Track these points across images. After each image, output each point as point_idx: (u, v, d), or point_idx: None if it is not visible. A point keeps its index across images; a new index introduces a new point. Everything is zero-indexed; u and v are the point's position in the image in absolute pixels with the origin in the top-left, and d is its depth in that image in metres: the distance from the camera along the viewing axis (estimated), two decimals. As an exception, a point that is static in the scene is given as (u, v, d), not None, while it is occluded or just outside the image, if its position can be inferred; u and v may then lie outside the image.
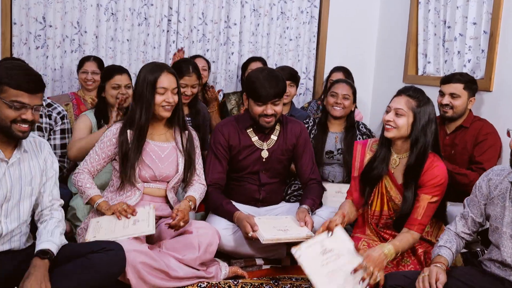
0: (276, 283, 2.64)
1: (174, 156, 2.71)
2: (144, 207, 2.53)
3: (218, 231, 2.65)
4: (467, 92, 3.13)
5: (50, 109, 3.26)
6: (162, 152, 2.69)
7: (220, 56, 4.68)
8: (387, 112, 2.45)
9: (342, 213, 2.46)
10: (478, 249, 2.73)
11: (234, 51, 4.67)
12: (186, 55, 4.42)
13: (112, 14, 4.38)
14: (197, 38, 4.58)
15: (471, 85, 3.15)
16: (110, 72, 3.27)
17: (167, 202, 2.74)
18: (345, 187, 3.10)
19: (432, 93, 3.02)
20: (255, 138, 2.97)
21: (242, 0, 4.62)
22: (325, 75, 4.43)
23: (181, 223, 2.49)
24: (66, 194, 3.02)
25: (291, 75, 3.87)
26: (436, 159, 2.44)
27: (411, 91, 2.43)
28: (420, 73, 4.21)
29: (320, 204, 3.01)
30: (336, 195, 3.25)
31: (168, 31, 4.51)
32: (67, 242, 2.25)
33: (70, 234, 2.91)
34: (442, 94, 3.19)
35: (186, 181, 2.75)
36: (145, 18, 4.45)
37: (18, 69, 2.02)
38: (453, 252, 2.19)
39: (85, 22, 4.32)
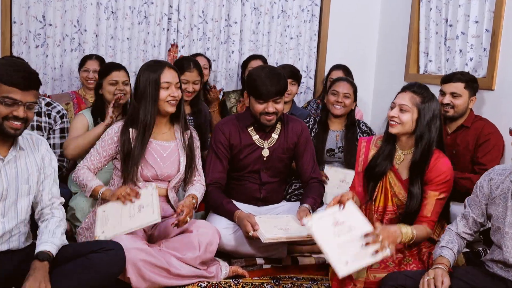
0: (277, 283, 2.62)
1: (176, 155, 2.70)
2: (147, 188, 2.49)
3: (219, 230, 2.64)
4: (468, 91, 3.12)
5: (49, 108, 3.25)
6: (164, 151, 2.67)
7: (221, 55, 4.67)
8: (392, 108, 2.46)
9: (351, 192, 2.46)
10: (480, 248, 2.73)
11: (234, 49, 4.66)
12: (186, 54, 4.42)
13: (112, 12, 4.37)
14: (197, 36, 4.57)
15: (472, 84, 3.13)
16: (107, 68, 3.27)
17: (168, 201, 2.72)
18: (350, 175, 3.10)
19: (433, 91, 2.96)
20: (256, 137, 2.96)
21: (242, -2, 4.61)
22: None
23: (187, 219, 2.49)
24: (66, 193, 3.00)
25: (292, 73, 3.86)
26: (442, 155, 2.44)
27: (415, 87, 2.44)
28: (421, 71, 4.20)
29: (321, 203, 3.00)
30: (340, 185, 3.22)
31: (168, 29, 4.50)
32: (67, 242, 2.24)
33: (70, 233, 2.89)
34: (442, 93, 3.17)
35: (187, 180, 2.73)
36: (145, 17, 4.44)
37: (11, 66, 2.01)
38: (455, 252, 2.18)
39: (85, 21, 4.32)
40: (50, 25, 4.24)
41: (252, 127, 2.96)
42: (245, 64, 4.30)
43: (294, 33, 4.80)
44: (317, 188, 2.98)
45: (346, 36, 4.82)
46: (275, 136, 2.98)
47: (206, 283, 2.53)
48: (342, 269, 2.13)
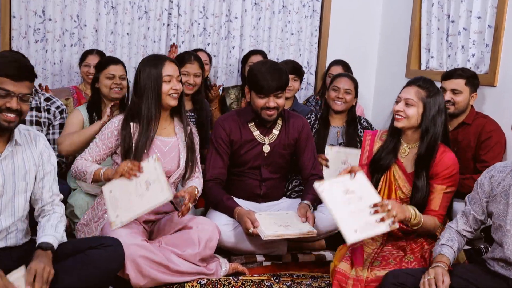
0: (277, 280, 2.61)
1: (176, 151, 2.68)
2: (148, 161, 2.45)
3: (219, 227, 2.62)
4: (469, 88, 3.09)
5: (48, 103, 3.23)
6: (165, 146, 2.66)
7: (221, 50, 4.65)
8: (397, 102, 2.47)
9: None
10: (482, 246, 2.71)
11: (235, 45, 4.64)
12: (186, 49, 4.39)
13: (112, 7, 4.35)
14: (197, 32, 4.55)
15: (473, 80, 3.11)
16: (105, 62, 3.25)
17: None
18: (352, 155, 3.09)
19: (435, 88, 2.99)
20: (256, 133, 2.94)
21: (243, -6, 4.59)
22: (326, 70, 4.41)
23: (190, 205, 2.48)
24: (65, 189, 3.00)
25: (295, 69, 3.83)
26: (447, 149, 2.45)
27: (421, 82, 2.45)
28: (423, 67, 4.18)
29: (321, 200, 2.97)
30: (342, 167, 3.08)
31: (168, 24, 4.48)
32: (66, 240, 2.22)
33: (69, 230, 2.88)
34: (443, 90, 3.14)
35: (186, 176, 2.72)
36: (145, 12, 4.42)
37: (4, 57, 1.99)
38: (455, 250, 2.17)
39: (85, 16, 4.30)
40: (50, 19, 4.22)
41: (253, 123, 2.95)
42: (245, 59, 4.28)
43: (295, 29, 4.78)
44: (318, 185, 2.96)
45: (347, 32, 4.79)
46: (276, 132, 2.97)
47: (205, 280, 2.52)
48: (351, 237, 2.18)
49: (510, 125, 2.13)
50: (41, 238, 2.09)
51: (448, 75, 3.14)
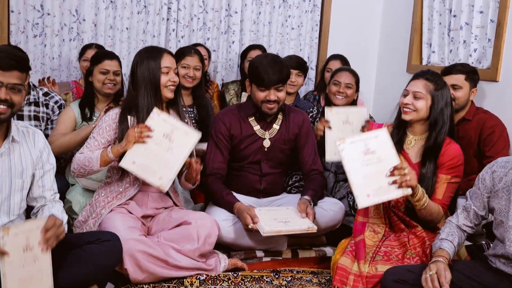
0: (276, 276, 2.60)
1: None
2: (152, 117, 2.40)
3: (218, 222, 2.61)
4: (469, 83, 3.08)
5: (47, 98, 3.21)
6: None
7: (221, 45, 4.63)
8: (405, 95, 2.49)
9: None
10: (483, 242, 2.70)
11: (235, 40, 4.62)
12: (186, 44, 4.39)
13: (111, 1, 4.31)
14: (197, 26, 4.53)
15: (473, 75, 3.09)
16: (99, 56, 3.22)
17: (166, 192, 2.68)
18: (353, 113, 3.05)
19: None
20: (257, 127, 2.93)
21: (243, -12, 4.57)
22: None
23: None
24: (64, 185, 3.00)
25: (299, 64, 3.78)
26: (452, 141, 2.48)
27: (428, 75, 2.48)
28: (424, 63, 4.16)
29: (322, 196, 2.97)
30: (344, 129, 3.07)
31: (168, 19, 4.45)
32: (66, 231, 2.19)
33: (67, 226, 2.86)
34: None
35: (183, 169, 2.70)
36: (145, 6, 4.39)
37: None
38: (455, 245, 2.15)
39: (84, 10, 4.26)
40: (49, 14, 4.19)
41: (253, 117, 2.93)
42: (244, 54, 4.25)
43: (296, 24, 4.75)
44: (318, 180, 2.95)
45: (348, 27, 4.77)
46: (276, 126, 2.95)
47: (205, 275, 2.50)
48: (363, 202, 2.25)
49: (512, 121, 2.11)
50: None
51: (448, 71, 3.12)
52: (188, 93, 3.54)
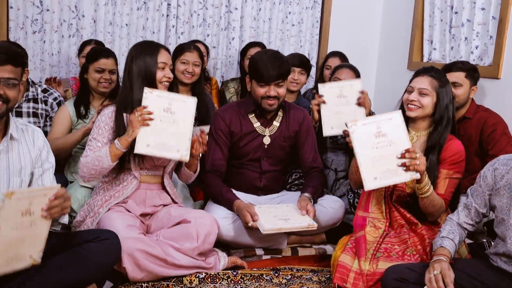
0: (276, 274, 2.58)
1: None
2: (146, 97, 2.36)
3: (217, 220, 2.59)
4: (469, 81, 3.06)
5: (46, 94, 3.19)
6: None
7: (221, 42, 4.61)
8: (410, 92, 2.49)
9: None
10: (484, 240, 2.69)
11: (235, 36, 4.60)
12: (185, 40, 4.37)
13: (111, -2, 4.30)
14: (197, 23, 4.51)
15: (473, 73, 3.08)
16: (95, 54, 3.16)
17: (164, 188, 2.67)
18: (346, 86, 3.03)
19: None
20: (257, 124, 2.92)
21: (243, -16, 4.55)
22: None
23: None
24: (62, 182, 2.95)
25: (302, 62, 3.74)
26: (454, 138, 2.48)
27: (433, 72, 2.48)
28: (425, 60, 4.15)
29: (322, 193, 2.96)
30: (340, 103, 3.03)
31: (167, 15, 4.44)
32: (67, 222, 2.17)
33: (64, 225, 2.84)
34: None
35: (181, 164, 2.67)
36: (144, 2, 4.37)
37: None
38: (456, 243, 2.14)
39: (83, 6, 4.24)
40: (48, 10, 4.17)
41: (254, 114, 2.92)
42: (244, 52, 4.23)
43: (296, 20, 4.74)
44: (318, 178, 2.94)
45: (349, 23, 4.75)
46: (276, 123, 2.94)
47: (204, 274, 2.48)
48: (369, 183, 2.25)
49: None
50: None
51: (448, 68, 3.10)
52: (187, 89, 3.52)
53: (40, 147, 2.14)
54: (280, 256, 2.82)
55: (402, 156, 2.24)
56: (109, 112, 2.52)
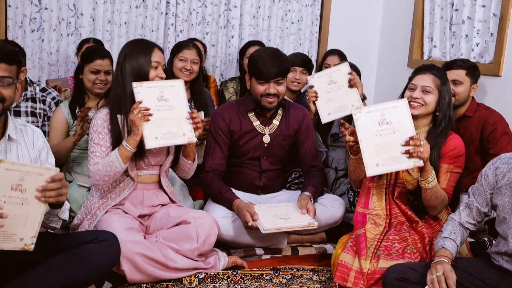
0: (276, 274, 2.57)
1: None
2: (137, 91, 2.34)
3: (217, 220, 2.57)
4: (470, 79, 3.05)
5: (44, 94, 3.18)
6: None
7: (220, 40, 4.59)
8: (412, 89, 2.49)
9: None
10: (486, 238, 2.68)
11: (234, 34, 4.58)
12: (184, 38, 4.35)
13: (109, -5, 4.28)
14: (196, 21, 4.49)
15: (473, 71, 3.06)
16: (91, 54, 3.10)
17: (161, 187, 2.64)
18: (335, 71, 3.08)
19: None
20: (257, 123, 2.90)
21: (242, -18, 4.53)
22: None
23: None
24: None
25: (304, 61, 3.72)
26: (453, 133, 2.51)
27: (435, 70, 2.49)
28: (425, 57, 4.13)
29: (322, 192, 2.95)
30: (331, 88, 3.08)
31: (166, 13, 4.42)
32: (67, 218, 2.13)
33: (65, 223, 2.83)
34: None
35: (178, 161, 2.66)
36: (143, 0, 4.35)
37: None
38: (458, 244, 2.13)
39: (82, 5, 4.22)
40: (46, 8, 4.15)
41: (253, 113, 2.90)
42: (243, 51, 4.20)
43: (295, 18, 4.72)
44: (318, 176, 2.93)
45: (348, 21, 4.73)
46: (276, 122, 2.93)
47: (204, 274, 2.47)
48: (371, 170, 2.27)
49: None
50: None
51: (448, 66, 3.09)
52: (186, 87, 3.49)
53: (39, 148, 2.12)
54: (280, 255, 2.81)
55: (407, 143, 2.25)
56: (103, 115, 2.48)
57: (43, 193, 1.80)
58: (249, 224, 2.56)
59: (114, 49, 4.21)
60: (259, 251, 2.79)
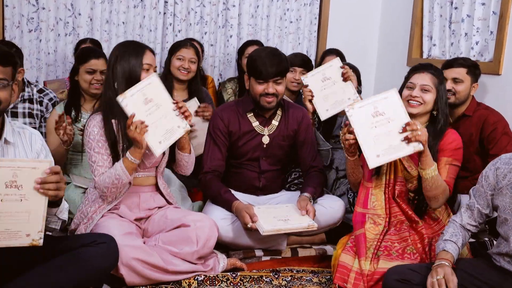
0: (276, 275, 2.55)
1: None
2: (125, 104, 2.28)
3: (216, 221, 2.55)
4: (470, 77, 3.03)
5: (41, 95, 3.17)
6: None
7: (219, 39, 4.58)
8: (411, 88, 2.50)
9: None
10: (486, 238, 2.67)
11: (232, 34, 4.57)
12: (183, 38, 4.33)
13: (107, -5, 4.27)
14: (194, 20, 4.48)
15: (474, 70, 3.04)
16: (85, 55, 3.08)
17: (157, 189, 2.62)
18: (329, 68, 3.07)
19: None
20: (256, 123, 2.89)
21: (241, -19, 4.52)
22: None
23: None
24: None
25: (303, 62, 3.69)
26: (450, 128, 2.55)
27: (432, 69, 2.52)
28: (425, 56, 4.12)
29: (321, 193, 2.93)
30: (326, 85, 3.07)
31: (165, 13, 4.41)
32: (66, 218, 2.12)
33: (64, 225, 2.81)
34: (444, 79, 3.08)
35: (174, 159, 2.64)
36: (141, 0, 4.33)
37: None
38: (459, 246, 2.12)
39: (79, 4, 4.21)
40: (44, 8, 4.14)
41: (252, 113, 2.89)
42: (241, 50, 4.19)
43: (294, 17, 4.70)
44: (318, 177, 2.91)
45: (347, 20, 4.72)
46: (275, 122, 2.91)
47: (203, 276, 2.46)
48: (372, 161, 2.30)
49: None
50: None
51: (449, 64, 3.08)
52: (184, 87, 3.50)
53: (37, 151, 2.09)
54: (280, 257, 2.79)
55: (404, 130, 2.27)
56: (98, 122, 2.43)
57: (43, 185, 1.79)
58: (249, 225, 2.54)
59: (112, 49, 4.19)
60: (258, 252, 2.77)
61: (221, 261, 2.56)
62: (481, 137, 2.96)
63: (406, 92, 2.50)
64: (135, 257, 2.25)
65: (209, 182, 2.81)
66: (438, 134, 2.47)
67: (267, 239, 2.71)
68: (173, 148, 2.61)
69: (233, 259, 2.62)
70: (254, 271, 2.59)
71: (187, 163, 2.63)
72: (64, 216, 2.08)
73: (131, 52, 2.43)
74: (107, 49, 4.10)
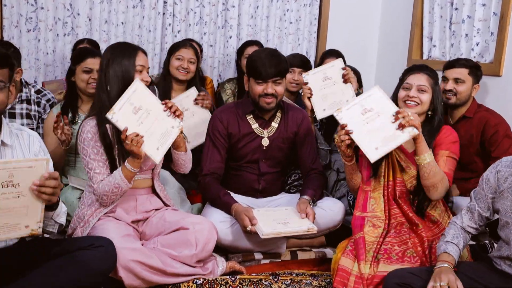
0: (275, 279, 2.54)
1: None
2: (114, 121, 2.25)
3: (215, 224, 2.54)
4: (472, 78, 3.03)
5: (39, 96, 3.15)
6: None
7: (218, 40, 4.57)
8: (408, 89, 2.53)
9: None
10: (487, 241, 2.66)
11: (232, 34, 4.56)
12: (182, 38, 4.32)
13: (106, -5, 4.25)
14: (194, 21, 4.47)
15: (476, 71, 3.05)
16: (81, 54, 3.05)
17: (154, 191, 2.60)
18: (330, 67, 3.09)
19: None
20: (255, 125, 2.88)
21: (240, -19, 4.51)
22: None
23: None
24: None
25: (302, 62, 3.67)
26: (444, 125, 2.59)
27: (428, 70, 2.56)
28: (425, 57, 4.12)
29: (321, 195, 2.91)
30: (326, 84, 3.09)
31: (164, 13, 4.40)
32: (64, 222, 2.11)
33: (61, 228, 2.80)
34: (445, 79, 3.08)
35: (171, 159, 2.61)
36: (140, 0, 4.33)
37: None
38: (460, 248, 2.11)
39: (78, 4, 4.20)
40: (42, 8, 4.12)
41: (252, 115, 2.88)
42: (240, 51, 4.17)
43: (294, 18, 4.70)
44: (318, 179, 2.90)
45: (347, 20, 4.72)
46: (275, 124, 2.90)
47: (202, 279, 2.44)
48: (372, 155, 2.34)
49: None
50: None
51: (451, 64, 3.08)
52: (183, 87, 3.49)
53: (35, 152, 2.08)
54: (279, 260, 2.77)
55: (396, 118, 2.32)
56: (91, 127, 2.40)
57: (39, 188, 1.79)
58: (248, 228, 2.52)
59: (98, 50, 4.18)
60: (257, 255, 2.75)
61: (220, 264, 2.54)
62: (482, 139, 2.95)
63: (402, 92, 2.53)
64: (133, 259, 2.23)
65: (208, 185, 2.79)
66: (434, 132, 2.50)
67: (267, 242, 2.69)
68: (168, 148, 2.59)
69: (232, 262, 2.60)
70: (253, 274, 2.58)
71: (184, 161, 2.61)
72: (62, 219, 2.07)
73: (123, 54, 2.40)
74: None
